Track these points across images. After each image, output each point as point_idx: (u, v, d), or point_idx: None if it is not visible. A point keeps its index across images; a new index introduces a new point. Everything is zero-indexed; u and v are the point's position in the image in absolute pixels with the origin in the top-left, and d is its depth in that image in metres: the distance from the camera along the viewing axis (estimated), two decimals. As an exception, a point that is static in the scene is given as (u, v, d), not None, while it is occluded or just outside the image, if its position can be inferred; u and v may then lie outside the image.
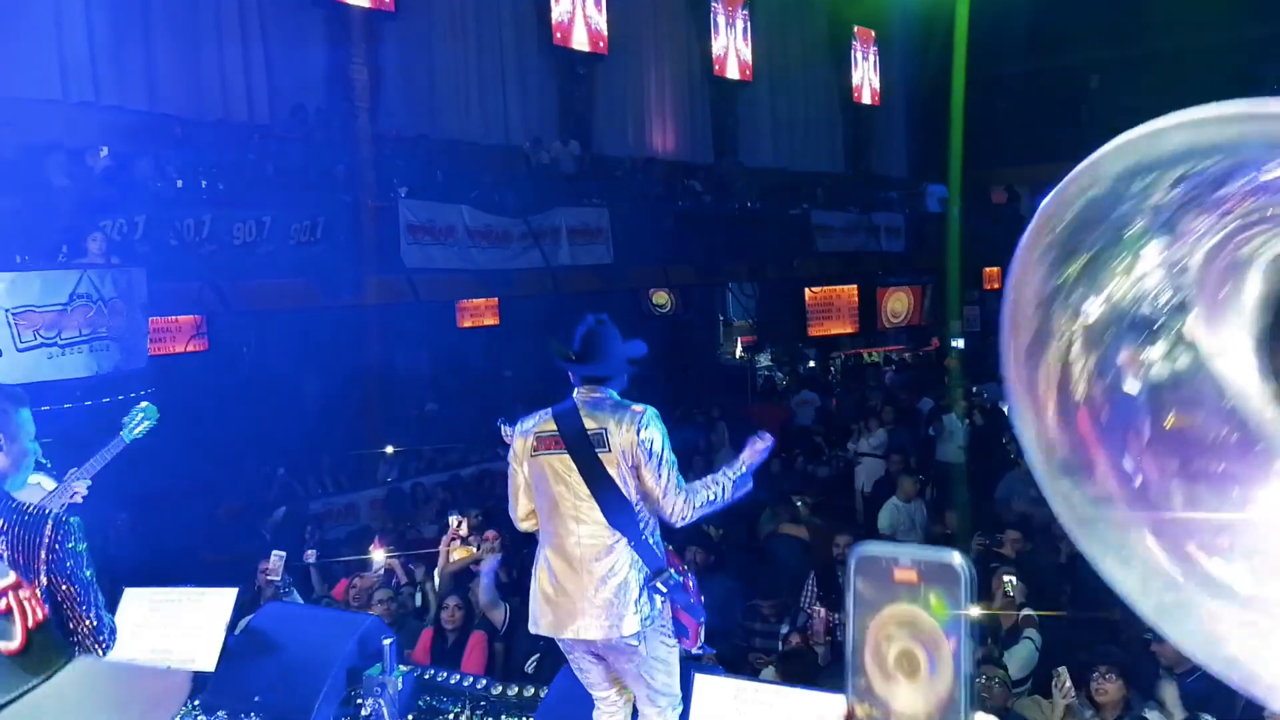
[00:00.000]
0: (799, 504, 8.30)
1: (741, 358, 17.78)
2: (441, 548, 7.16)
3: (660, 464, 3.33)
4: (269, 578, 5.49)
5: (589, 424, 3.38)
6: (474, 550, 6.67)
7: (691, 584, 3.53)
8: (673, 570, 3.41)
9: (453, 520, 7.69)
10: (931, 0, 19.81)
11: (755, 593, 6.42)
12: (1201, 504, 0.96)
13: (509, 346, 13.40)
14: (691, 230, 14.46)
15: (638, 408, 3.40)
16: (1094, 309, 0.98)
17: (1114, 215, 0.94)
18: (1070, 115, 24.19)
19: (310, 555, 6.96)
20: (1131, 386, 0.97)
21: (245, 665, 3.99)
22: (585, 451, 3.34)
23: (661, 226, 13.98)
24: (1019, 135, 21.95)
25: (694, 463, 10.03)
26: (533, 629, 3.49)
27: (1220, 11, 19.07)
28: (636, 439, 3.31)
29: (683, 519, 3.40)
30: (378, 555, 7.04)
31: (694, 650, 3.54)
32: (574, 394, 3.48)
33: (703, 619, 3.53)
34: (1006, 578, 5.95)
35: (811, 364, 17.86)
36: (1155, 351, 0.96)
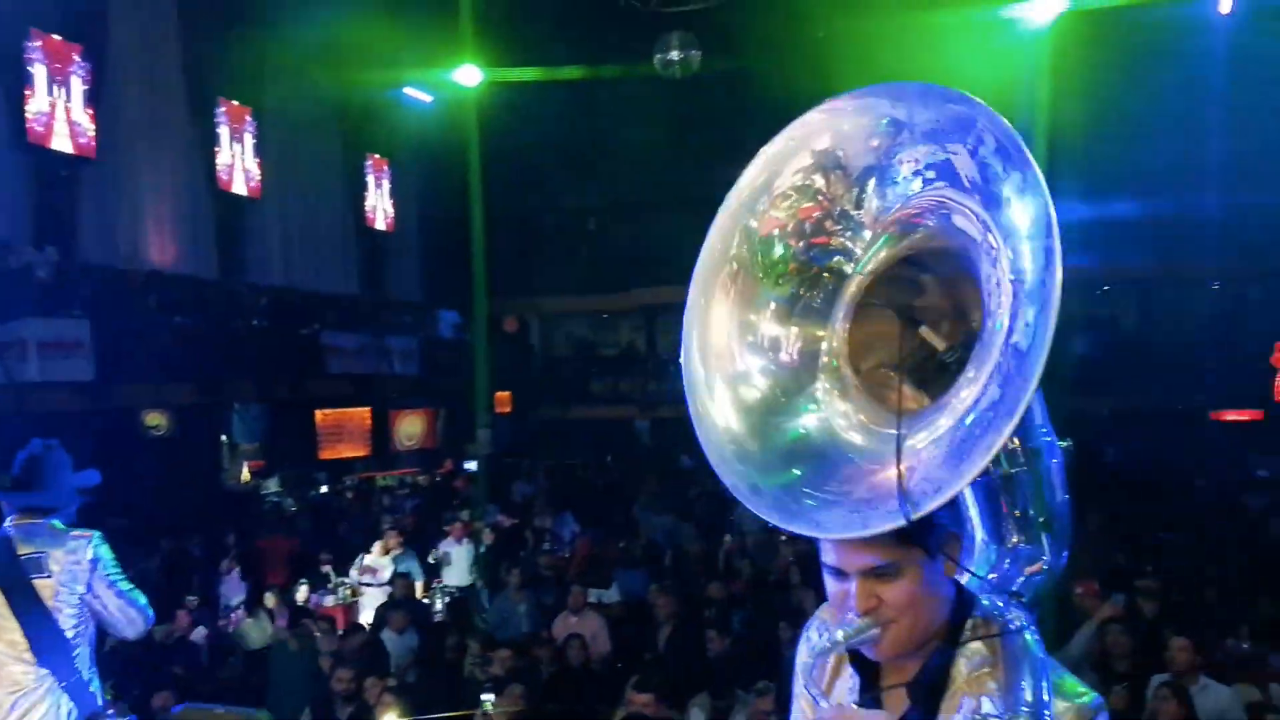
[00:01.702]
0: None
1: (248, 482, 16.86)
2: None
3: (117, 581, 3.18)
4: None
5: (23, 549, 3.11)
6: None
7: None
8: (110, 713, 3.21)
9: None
10: (443, 136, 20.86)
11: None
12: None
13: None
14: (192, 348, 13.65)
15: (82, 533, 3.20)
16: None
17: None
18: (572, 253, 26.44)
19: None
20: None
21: None
22: (19, 584, 3.05)
23: (157, 342, 13.04)
24: (529, 269, 23.51)
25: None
26: None
27: (687, 168, 22.05)
28: (88, 564, 3.12)
29: (139, 632, 3.33)
30: None
31: None
32: (7, 522, 3.18)
33: None
34: (485, 698, 6.15)
35: (324, 488, 17.40)
36: (838, 240, 1.52)
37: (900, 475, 1.31)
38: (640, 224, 24.06)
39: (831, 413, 1.50)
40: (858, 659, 1.52)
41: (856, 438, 1.46)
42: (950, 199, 1.38)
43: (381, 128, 20.74)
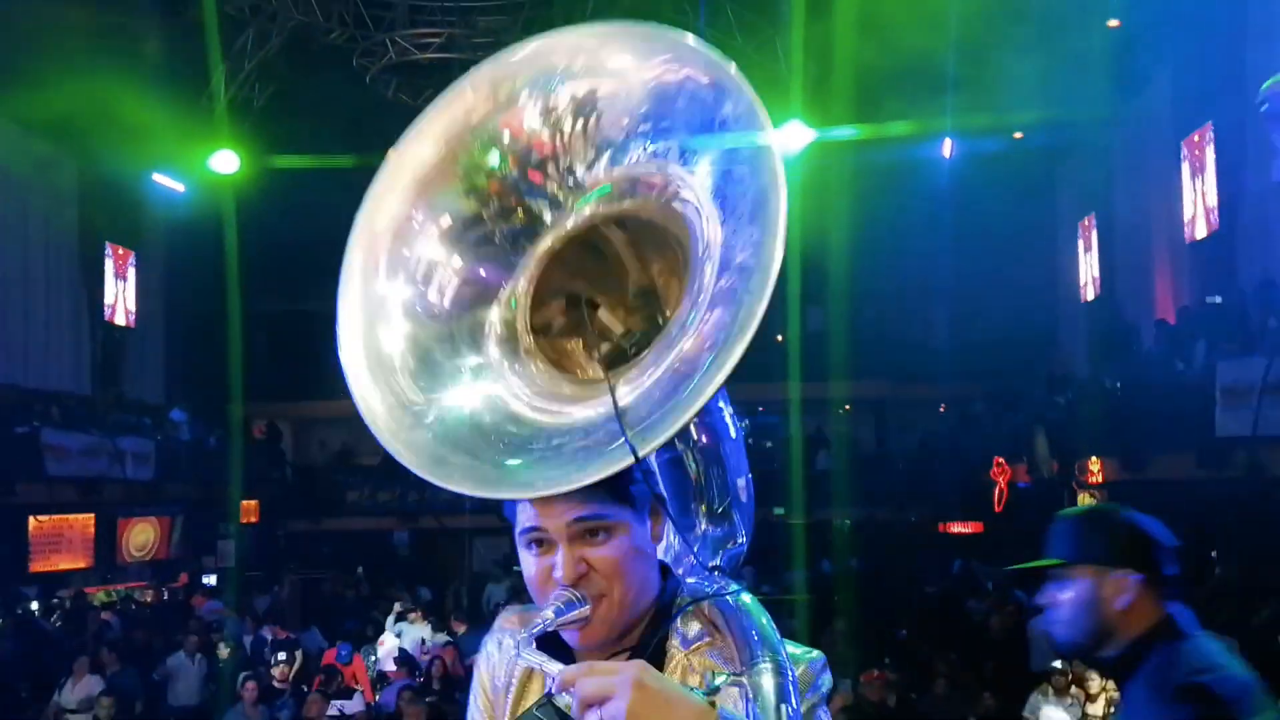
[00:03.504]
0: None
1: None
2: None
3: None
4: None
5: None
6: None
7: None
8: None
9: None
10: (196, 228, 19.93)
11: None
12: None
13: None
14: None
15: None
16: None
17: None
18: (331, 356, 25.46)
19: None
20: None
21: None
22: None
23: None
24: (284, 371, 22.50)
25: None
26: None
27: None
28: None
29: None
30: None
31: None
32: None
33: None
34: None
35: (34, 605, 15.64)
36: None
37: (620, 414, 1.22)
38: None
39: (504, 388, 1.40)
40: (560, 657, 1.31)
41: (539, 410, 1.37)
42: (676, 175, 1.32)
43: (127, 216, 19.55)
